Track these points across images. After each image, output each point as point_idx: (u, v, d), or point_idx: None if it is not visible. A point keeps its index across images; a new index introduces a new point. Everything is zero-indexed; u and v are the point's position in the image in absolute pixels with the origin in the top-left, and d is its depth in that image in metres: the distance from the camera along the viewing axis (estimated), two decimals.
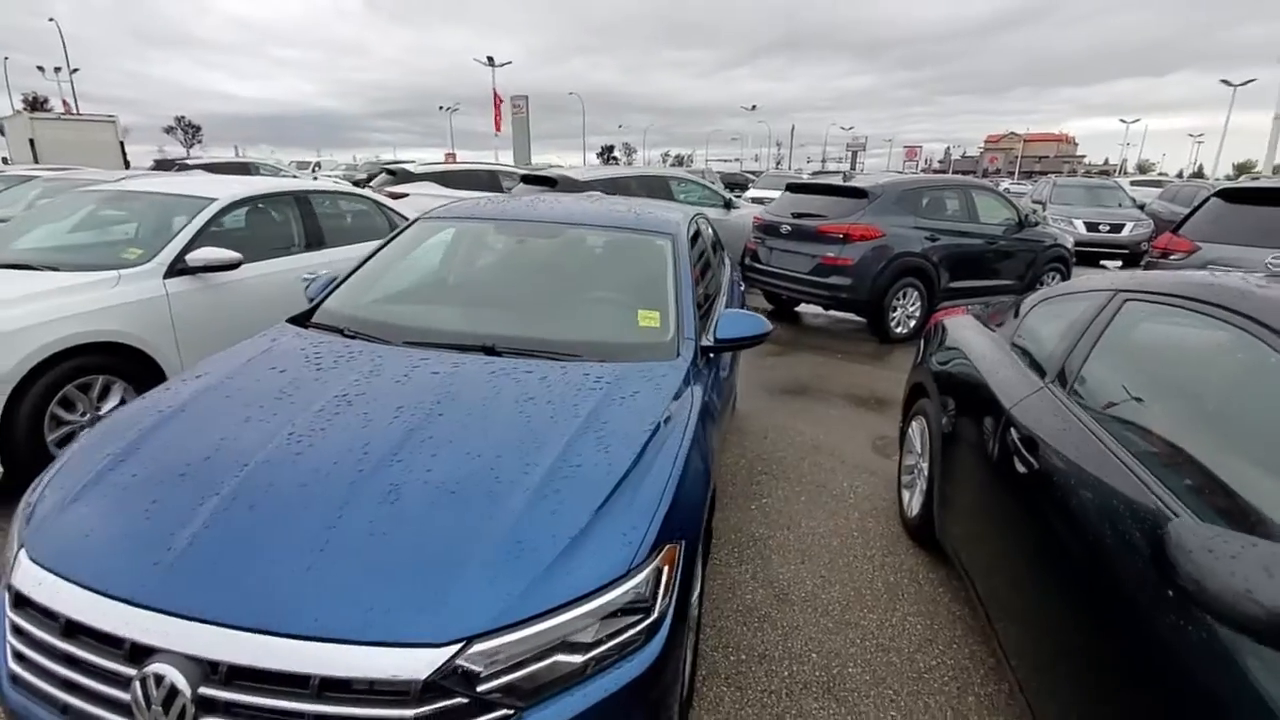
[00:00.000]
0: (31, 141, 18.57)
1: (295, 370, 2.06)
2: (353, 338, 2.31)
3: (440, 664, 1.19)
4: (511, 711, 1.23)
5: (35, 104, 46.14)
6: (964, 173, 72.54)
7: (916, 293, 6.75)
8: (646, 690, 1.37)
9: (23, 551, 1.44)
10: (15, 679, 1.36)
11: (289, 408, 1.83)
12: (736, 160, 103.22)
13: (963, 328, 3.07)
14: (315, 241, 4.64)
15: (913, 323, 6.79)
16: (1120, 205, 13.95)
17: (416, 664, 1.19)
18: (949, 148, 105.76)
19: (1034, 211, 8.64)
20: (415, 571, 1.31)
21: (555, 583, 1.32)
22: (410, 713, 1.18)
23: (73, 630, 1.30)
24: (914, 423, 3.22)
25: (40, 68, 36.33)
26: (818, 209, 6.85)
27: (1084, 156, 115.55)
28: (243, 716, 1.20)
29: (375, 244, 3.09)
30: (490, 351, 2.19)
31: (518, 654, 1.25)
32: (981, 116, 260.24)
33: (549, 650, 1.27)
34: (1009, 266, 7.41)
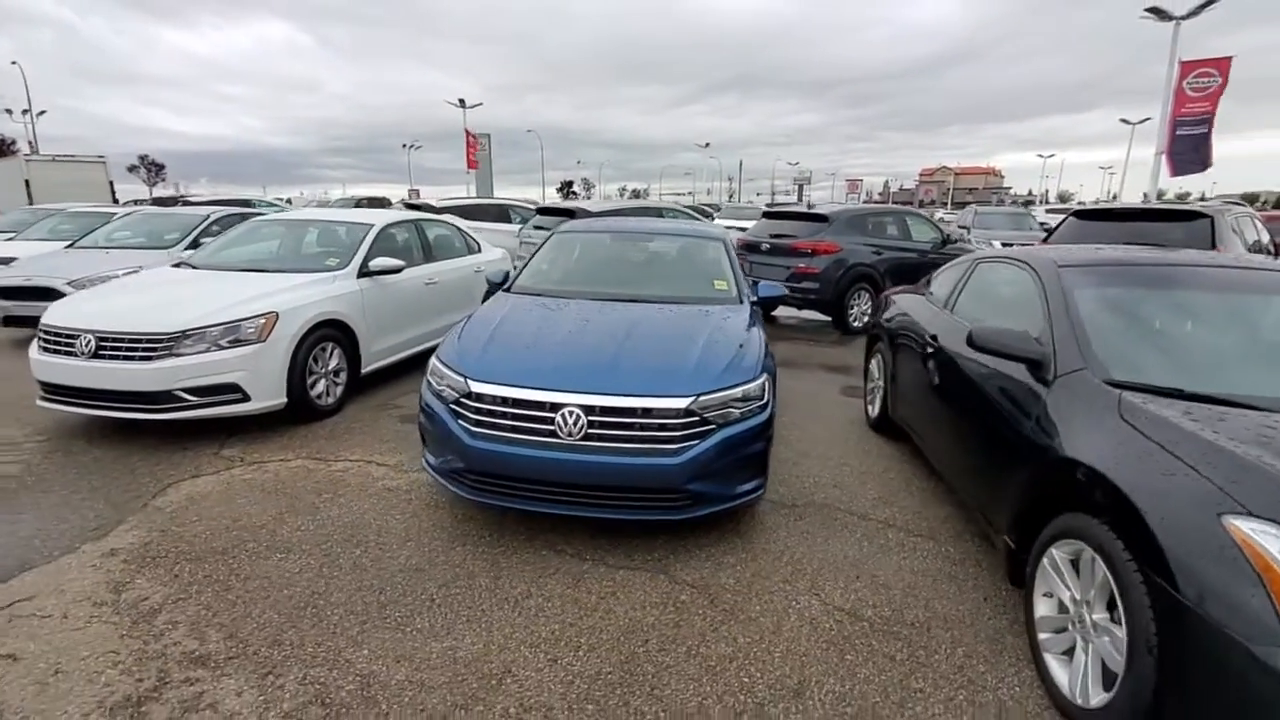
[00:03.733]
0: (27, 182, 19.31)
1: (542, 307, 3.72)
2: (555, 296, 3.96)
3: (688, 404, 2.85)
4: (714, 426, 2.88)
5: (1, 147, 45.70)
6: (902, 203, 78.01)
7: (867, 294, 8.69)
8: (764, 429, 3.04)
9: (466, 379, 3.01)
10: (474, 434, 2.92)
11: (561, 316, 3.52)
12: (690, 194, 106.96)
13: (899, 295, 4.92)
14: (429, 257, 6.21)
15: (865, 318, 8.71)
16: (1030, 229, 16.53)
17: (680, 403, 2.84)
18: (887, 181, 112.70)
19: (955, 232, 10.82)
20: (668, 373, 2.97)
21: (725, 378, 3.00)
22: (679, 421, 2.83)
23: (517, 404, 2.90)
24: (872, 360, 5.03)
25: (9, 110, 36.28)
26: (789, 230, 8.78)
27: (1010, 188, 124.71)
28: (607, 427, 2.82)
29: (519, 250, 4.74)
30: (643, 300, 3.87)
31: (713, 404, 2.91)
32: (918, 151, 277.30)
33: (726, 405, 2.94)
34: None
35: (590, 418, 2.82)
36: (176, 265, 5.32)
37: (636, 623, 2.53)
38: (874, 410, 4.85)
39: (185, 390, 3.95)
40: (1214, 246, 6.21)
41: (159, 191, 58.74)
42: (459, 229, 7.17)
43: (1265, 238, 7.26)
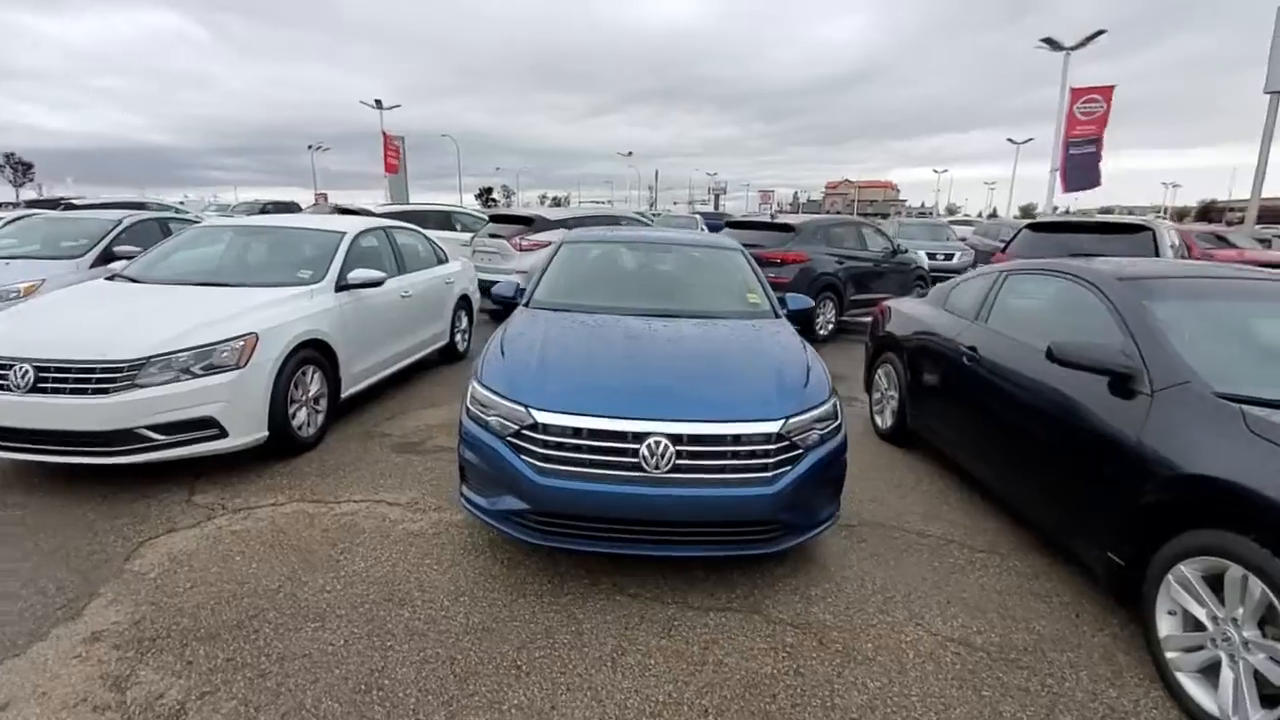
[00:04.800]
0: None
1: (580, 324, 3.42)
2: (585, 311, 3.65)
3: (779, 428, 2.65)
4: (801, 451, 2.70)
5: None
6: (811, 214, 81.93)
7: (831, 303, 8.85)
8: (843, 451, 2.89)
9: (527, 408, 2.68)
10: (542, 471, 2.59)
11: (605, 334, 3.25)
12: (609, 202, 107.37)
13: (902, 306, 4.96)
14: (401, 267, 5.69)
15: (831, 326, 8.87)
16: (949, 239, 17.59)
17: (771, 427, 2.64)
18: (796, 192, 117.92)
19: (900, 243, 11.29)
20: (753, 395, 2.77)
21: (808, 398, 2.83)
22: (773, 447, 2.62)
23: (593, 435, 2.59)
24: (879, 370, 5.03)
25: None
26: (757, 240, 8.78)
27: (905, 200, 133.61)
28: (697, 457, 2.57)
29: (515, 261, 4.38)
30: (681, 315, 3.64)
31: (801, 426, 2.73)
32: (824, 165, 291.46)
33: (810, 427, 2.76)
34: (890, 282, 9.79)
35: (678, 447, 2.57)
36: (111, 279, 4.55)
37: (754, 675, 2.30)
38: (885, 421, 4.85)
39: (151, 428, 3.33)
40: (1157, 254, 6.74)
41: (28, 193, 52.05)
42: (425, 236, 6.66)
43: (1178, 243, 8.03)
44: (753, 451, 2.63)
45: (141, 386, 3.30)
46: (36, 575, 2.74)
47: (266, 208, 24.95)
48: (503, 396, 2.78)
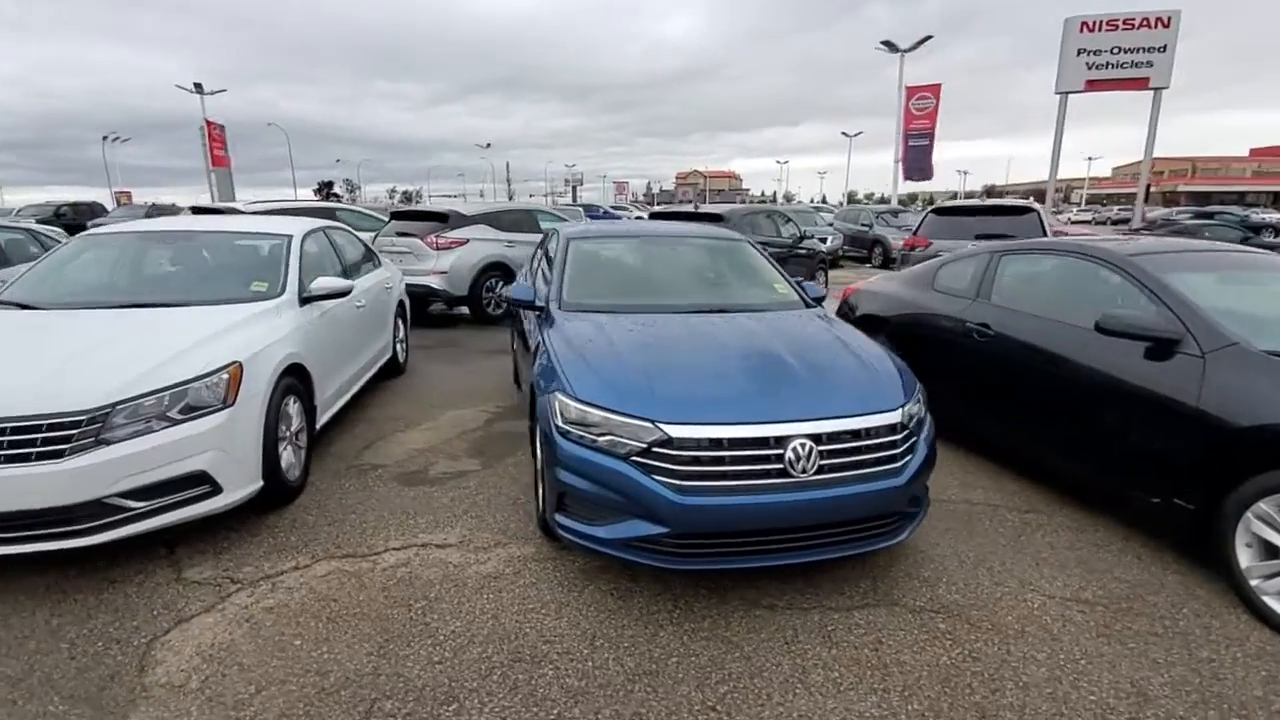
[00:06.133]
0: None
1: (638, 325, 3.20)
2: (626, 312, 3.41)
3: (899, 417, 2.64)
4: (915, 438, 2.72)
5: None
6: (665, 204, 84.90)
7: None
8: (933, 435, 2.95)
9: (654, 423, 2.43)
10: (683, 490, 2.37)
11: (671, 334, 3.09)
12: (462, 195, 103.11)
13: (878, 288, 5.22)
14: (345, 273, 4.97)
15: None
16: (818, 224, 18.98)
17: (893, 417, 2.62)
18: (649, 182, 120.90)
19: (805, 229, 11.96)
20: (868, 387, 2.73)
21: (908, 386, 2.85)
22: (898, 437, 2.61)
23: (733, 445, 2.41)
24: None
25: None
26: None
27: (748, 189, 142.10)
28: (835, 455, 2.48)
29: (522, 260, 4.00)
30: (727, 310, 3.52)
31: (913, 414, 2.74)
32: (672, 156, 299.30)
33: (918, 414, 2.79)
34: (800, 267, 10.32)
35: (820, 447, 2.47)
36: None
37: (939, 669, 2.28)
38: None
39: (126, 495, 2.58)
40: (1043, 231, 7.73)
41: None
42: (358, 236, 5.88)
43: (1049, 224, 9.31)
44: (881, 444, 2.60)
45: (108, 443, 2.54)
46: (22, 717, 2.02)
47: (62, 210, 20.80)
48: (618, 412, 2.50)
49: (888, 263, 17.07)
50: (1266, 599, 2.55)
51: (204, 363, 2.89)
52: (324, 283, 4.04)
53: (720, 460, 2.42)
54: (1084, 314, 3.41)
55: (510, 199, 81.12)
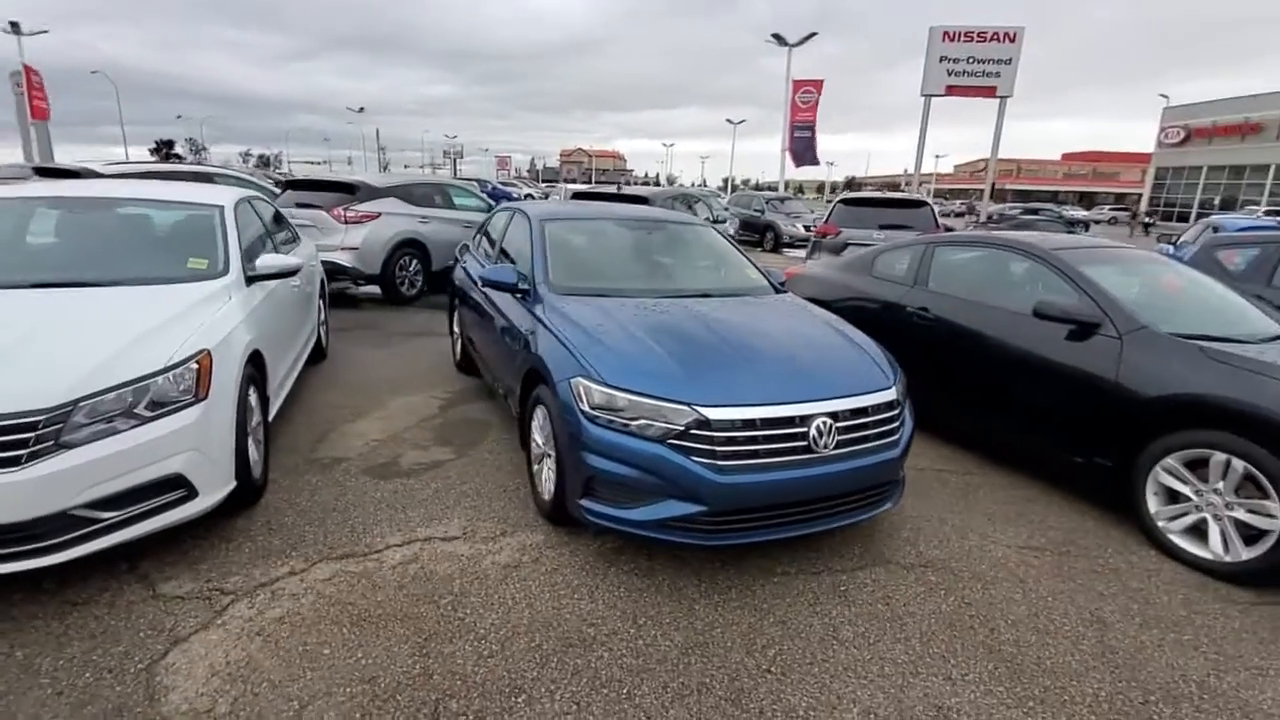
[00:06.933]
0: None
1: (640, 310, 3.24)
2: (615, 295, 3.43)
3: (895, 394, 2.91)
4: (904, 412, 3.01)
5: None
6: (548, 181, 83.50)
7: None
8: (910, 436, 3.25)
9: (691, 405, 2.50)
10: (722, 469, 2.47)
11: (670, 320, 3.16)
12: (326, 163, 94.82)
13: (816, 273, 5.59)
14: (275, 248, 4.51)
15: None
16: (714, 209, 19.61)
17: (891, 394, 2.89)
18: (534, 158, 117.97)
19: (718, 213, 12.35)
20: (866, 367, 2.97)
21: (894, 367, 3.13)
22: (896, 412, 2.88)
23: (765, 424, 2.53)
24: None
25: None
26: None
27: (632, 170, 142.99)
28: (849, 431, 2.69)
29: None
30: (712, 295, 3.63)
31: (903, 391, 3.03)
32: (554, 133, 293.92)
33: (905, 391, 3.08)
34: None
35: (837, 424, 2.67)
36: None
37: (946, 617, 2.58)
38: None
39: (94, 505, 2.24)
40: (936, 224, 8.58)
41: None
42: (276, 208, 5.32)
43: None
44: (882, 420, 2.85)
45: (69, 446, 2.19)
46: None
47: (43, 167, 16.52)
48: (653, 397, 2.54)
49: (779, 247, 18.07)
50: (1171, 536, 3.12)
51: (167, 352, 2.54)
52: (270, 260, 3.65)
53: (754, 440, 2.54)
54: (1015, 300, 3.92)
55: (384, 169, 75.81)
